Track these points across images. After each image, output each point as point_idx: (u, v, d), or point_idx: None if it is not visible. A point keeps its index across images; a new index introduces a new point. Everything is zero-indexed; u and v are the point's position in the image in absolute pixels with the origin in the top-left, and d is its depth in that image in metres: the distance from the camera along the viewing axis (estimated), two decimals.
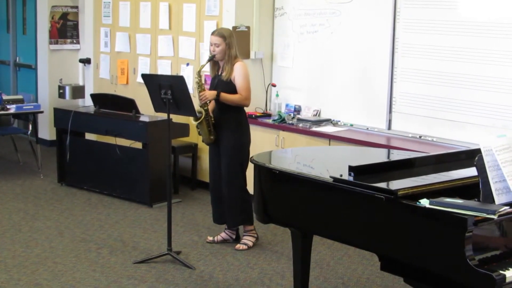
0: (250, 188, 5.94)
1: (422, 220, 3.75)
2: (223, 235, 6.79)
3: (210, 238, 6.79)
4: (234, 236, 6.78)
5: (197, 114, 6.37)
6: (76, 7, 11.00)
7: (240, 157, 6.46)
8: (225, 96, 6.39)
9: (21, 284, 5.70)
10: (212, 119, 6.50)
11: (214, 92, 6.40)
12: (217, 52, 6.39)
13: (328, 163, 5.22)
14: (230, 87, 6.41)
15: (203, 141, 6.68)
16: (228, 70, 6.41)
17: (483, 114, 6.53)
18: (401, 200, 3.84)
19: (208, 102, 6.44)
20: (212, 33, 6.47)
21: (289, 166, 5.16)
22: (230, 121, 6.50)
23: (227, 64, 6.42)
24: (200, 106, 6.43)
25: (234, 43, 6.44)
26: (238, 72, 6.41)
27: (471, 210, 3.57)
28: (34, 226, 7.17)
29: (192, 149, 8.56)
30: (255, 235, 6.73)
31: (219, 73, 6.51)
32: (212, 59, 6.46)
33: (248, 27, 8.06)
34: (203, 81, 6.57)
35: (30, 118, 9.39)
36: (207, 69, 6.68)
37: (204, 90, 6.44)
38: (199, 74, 6.47)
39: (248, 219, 6.65)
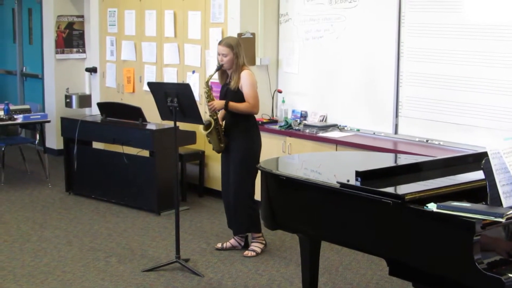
0: (258, 195, 5.94)
1: (430, 224, 3.74)
2: (232, 241, 6.79)
3: (219, 245, 6.80)
4: (242, 243, 6.78)
5: (205, 122, 6.39)
6: (82, 16, 11.03)
7: (249, 164, 6.44)
8: (233, 105, 6.41)
9: None
10: (222, 127, 6.51)
11: (222, 102, 6.42)
12: (225, 62, 6.39)
13: (335, 169, 5.22)
14: (238, 96, 6.42)
15: (213, 149, 6.68)
16: (236, 79, 6.42)
17: (489, 117, 6.52)
18: (408, 204, 3.84)
19: (217, 111, 6.47)
20: (219, 43, 6.47)
21: (296, 172, 5.16)
22: (240, 129, 6.51)
23: (235, 73, 6.44)
24: (210, 116, 6.45)
25: (241, 52, 6.45)
26: (245, 81, 6.42)
27: (479, 214, 3.56)
28: (43, 235, 7.19)
29: (199, 156, 8.57)
30: (264, 242, 6.73)
31: (228, 82, 6.52)
32: (220, 69, 6.47)
33: (253, 34, 8.07)
34: (211, 91, 6.56)
35: (38, 127, 9.41)
36: (215, 77, 6.67)
37: (212, 99, 6.45)
38: (207, 84, 6.47)
39: (253, 227, 6.65)
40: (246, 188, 6.56)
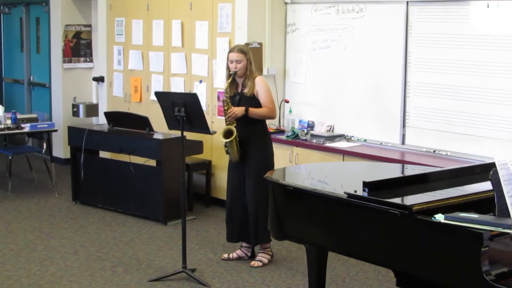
0: None
1: (437, 235, 3.73)
2: (238, 252, 6.77)
3: (225, 255, 6.78)
4: (249, 254, 6.76)
5: (224, 130, 6.36)
6: (89, 25, 11.06)
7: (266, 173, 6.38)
8: (253, 110, 6.39)
9: None
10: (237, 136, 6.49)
11: (242, 108, 6.38)
12: (239, 68, 6.37)
13: (342, 179, 5.21)
14: (255, 102, 6.41)
15: (231, 160, 6.62)
16: (251, 85, 6.40)
17: (497, 128, 6.51)
18: (416, 215, 3.83)
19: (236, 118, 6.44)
20: (232, 50, 6.45)
21: (303, 182, 5.15)
22: (256, 137, 6.49)
23: (249, 80, 6.42)
24: (228, 124, 6.42)
25: (252, 58, 6.45)
26: (261, 86, 6.41)
27: (487, 225, 3.55)
28: (49, 244, 7.19)
29: (206, 166, 8.56)
30: (271, 253, 6.71)
31: (239, 90, 6.49)
32: (234, 76, 6.45)
33: (260, 44, 8.08)
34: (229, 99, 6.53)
35: (45, 136, 9.42)
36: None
37: (231, 107, 6.43)
38: (227, 91, 6.44)
39: (269, 238, 6.60)
40: (265, 202, 6.50)
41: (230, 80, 6.43)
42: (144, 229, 7.71)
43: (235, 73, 6.39)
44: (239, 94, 6.47)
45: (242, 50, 6.42)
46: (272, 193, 4.92)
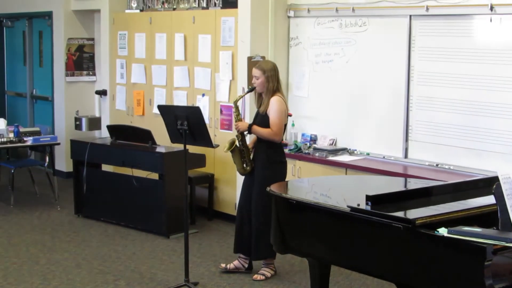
0: None
1: (441, 249, 3.72)
2: (235, 263, 6.76)
3: (223, 265, 6.77)
4: (246, 265, 6.74)
5: (232, 142, 6.45)
6: (92, 39, 11.09)
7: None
8: (255, 129, 6.42)
9: None
10: (251, 149, 6.52)
11: (246, 124, 6.47)
12: (257, 84, 6.44)
13: (345, 193, 5.20)
14: (266, 120, 6.42)
15: (237, 170, 6.66)
16: (266, 103, 6.43)
17: (500, 142, 6.50)
18: (419, 229, 3.82)
19: (246, 132, 6.51)
20: (254, 65, 6.56)
21: (306, 195, 5.15)
22: (265, 156, 6.47)
23: (266, 98, 6.45)
24: (236, 136, 6.50)
25: (274, 78, 6.43)
26: (272, 107, 6.40)
27: (490, 239, 3.54)
28: (52, 258, 7.18)
29: (209, 179, 8.55)
30: (274, 269, 6.68)
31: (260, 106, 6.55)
32: (251, 91, 6.54)
33: (263, 57, 8.07)
34: (240, 111, 6.61)
35: (47, 150, 9.42)
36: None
37: (240, 120, 6.52)
38: (235, 104, 6.49)
39: (272, 253, 6.57)
40: (267, 214, 6.48)
41: (243, 94, 6.65)
42: (147, 243, 7.70)
43: (254, 88, 6.47)
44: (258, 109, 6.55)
45: (261, 67, 6.47)
46: (275, 206, 4.92)
